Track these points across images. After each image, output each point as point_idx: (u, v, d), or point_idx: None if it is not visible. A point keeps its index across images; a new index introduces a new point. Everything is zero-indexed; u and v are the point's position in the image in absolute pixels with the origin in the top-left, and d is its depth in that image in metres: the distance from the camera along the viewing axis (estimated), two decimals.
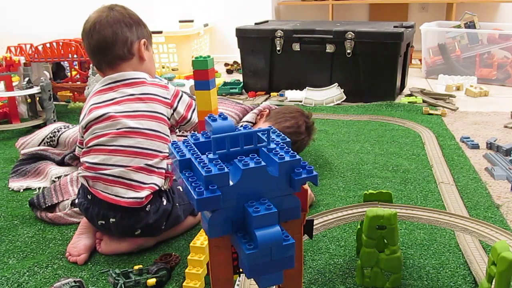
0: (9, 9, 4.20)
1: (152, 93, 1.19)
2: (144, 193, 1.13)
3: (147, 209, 1.15)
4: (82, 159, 1.18)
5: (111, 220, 1.14)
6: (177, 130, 1.35)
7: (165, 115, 1.20)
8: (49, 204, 1.39)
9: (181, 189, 1.25)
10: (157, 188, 1.15)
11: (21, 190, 1.58)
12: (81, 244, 1.18)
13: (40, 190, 1.57)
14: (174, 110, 1.22)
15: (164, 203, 1.18)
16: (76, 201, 1.23)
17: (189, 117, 1.25)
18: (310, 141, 1.69)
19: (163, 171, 1.17)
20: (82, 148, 1.21)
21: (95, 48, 1.21)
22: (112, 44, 1.19)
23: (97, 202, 1.15)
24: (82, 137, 1.21)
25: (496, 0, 3.62)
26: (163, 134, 1.18)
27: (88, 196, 1.16)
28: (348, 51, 2.52)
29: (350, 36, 2.49)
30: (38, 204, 1.39)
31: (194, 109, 1.25)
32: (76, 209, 1.33)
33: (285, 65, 2.72)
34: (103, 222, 1.16)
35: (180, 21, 3.77)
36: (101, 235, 1.21)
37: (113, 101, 1.17)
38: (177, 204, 1.21)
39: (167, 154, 1.18)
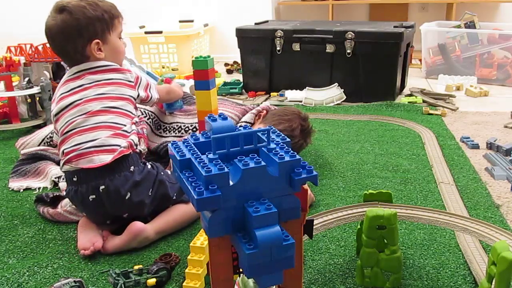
0: (9, 9, 4.20)
1: (117, 78, 1.29)
2: (123, 144, 1.20)
3: (131, 169, 1.20)
4: (60, 150, 1.24)
5: (101, 188, 1.17)
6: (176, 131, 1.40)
7: (131, 96, 1.30)
8: (56, 194, 1.41)
9: (169, 172, 1.33)
10: (134, 145, 1.23)
11: (21, 190, 1.58)
12: (90, 236, 1.20)
13: (40, 190, 1.57)
14: (138, 90, 1.33)
15: (149, 167, 1.26)
16: (64, 193, 1.28)
17: (150, 95, 1.38)
18: (307, 144, 1.68)
19: (135, 131, 1.27)
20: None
21: (55, 52, 1.33)
22: (65, 52, 1.29)
23: (83, 178, 1.18)
24: (53, 116, 1.28)
25: (496, 0, 3.62)
26: (130, 113, 1.28)
27: (73, 179, 1.20)
28: (348, 51, 2.52)
29: (350, 36, 2.49)
30: (46, 195, 1.41)
31: (151, 87, 1.39)
32: None
33: (285, 65, 2.72)
34: (94, 196, 1.18)
35: (180, 21, 3.77)
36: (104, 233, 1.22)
37: (81, 87, 1.26)
38: (162, 173, 1.28)
39: (135, 124, 1.29)
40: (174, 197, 1.29)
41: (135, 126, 1.28)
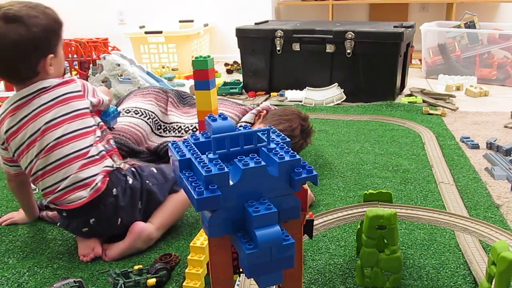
0: None
1: (65, 93, 1.16)
2: (98, 178, 1.14)
3: (114, 193, 1.16)
4: (35, 185, 1.19)
5: (91, 221, 1.16)
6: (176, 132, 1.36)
7: (85, 107, 1.18)
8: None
9: (155, 170, 1.26)
10: (110, 169, 1.17)
11: None
12: (88, 242, 1.19)
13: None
14: (88, 97, 1.20)
15: (130, 181, 1.19)
16: (58, 224, 1.24)
17: (101, 99, 1.24)
18: (307, 144, 1.68)
19: (104, 152, 1.19)
20: (9, 165, 1.22)
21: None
22: (14, 69, 1.13)
23: (72, 214, 1.16)
24: (12, 154, 1.18)
25: (496, 0, 3.62)
26: (89, 128, 1.18)
27: (63, 214, 1.18)
28: (348, 51, 2.52)
29: (350, 36, 2.49)
30: (40, 204, 1.40)
31: (96, 91, 1.25)
32: None
33: (285, 65, 2.72)
34: (87, 229, 1.17)
35: (180, 21, 3.78)
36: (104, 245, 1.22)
37: (29, 116, 1.13)
38: (147, 182, 1.22)
39: (99, 139, 1.19)
40: (165, 196, 1.27)
41: (101, 144, 1.19)
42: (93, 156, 1.15)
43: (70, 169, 1.13)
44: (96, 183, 1.14)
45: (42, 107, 1.14)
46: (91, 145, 1.16)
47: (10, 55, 1.10)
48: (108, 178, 1.16)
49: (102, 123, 1.25)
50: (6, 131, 1.15)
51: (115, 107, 1.37)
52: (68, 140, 1.14)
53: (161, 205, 1.26)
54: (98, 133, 1.20)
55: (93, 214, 1.15)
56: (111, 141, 1.24)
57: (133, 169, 1.24)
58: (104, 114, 1.33)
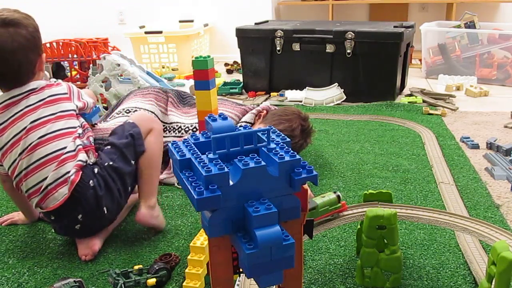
0: None
1: (53, 94, 1.19)
2: (72, 172, 1.14)
3: (91, 184, 1.16)
4: (19, 189, 1.19)
5: (79, 217, 1.16)
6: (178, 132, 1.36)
7: (71, 109, 1.21)
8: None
9: (109, 147, 1.25)
10: (83, 163, 1.17)
11: None
12: (86, 241, 1.19)
13: None
14: (74, 101, 1.23)
15: (96, 170, 1.20)
16: (54, 230, 1.25)
17: (86, 102, 1.26)
18: (307, 144, 1.68)
19: (81, 147, 1.19)
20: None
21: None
22: (18, 73, 1.16)
23: (59, 214, 1.16)
24: None
25: (496, 0, 3.62)
26: (72, 128, 1.19)
27: (51, 217, 1.18)
28: (348, 51, 2.52)
29: (350, 36, 2.49)
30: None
31: (81, 93, 1.27)
32: None
33: (285, 65, 2.72)
34: (79, 225, 1.17)
35: (180, 21, 3.78)
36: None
37: (16, 116, 1.16)
38: (106, 163, 1.21)
39: (79, 135, 1.20)
40: (133, 162, 1.25)
41: (79, 139, 1.20)
42: (70, 151, 1.16)
43: (49, 168, 1.14)
44: (70, 177, 1.14)
45: (29, 107, 1.16)
46: (67, 145, 1.17)
47: (17, 57, 1.13)
48: (81, 172, 1.16)
49: (85, 123, 1.27)
50: None
51: (96, 106, 1.38)
52: (51, 139, 1.15)
53: (139, 177, 1.26)
54: (80, 131, 1.22)
55: (78, 209, 1.16)
56: (91, 138, 1.26)
57: (94, 159, 1.24)
58: (89, 116, 1.34)
